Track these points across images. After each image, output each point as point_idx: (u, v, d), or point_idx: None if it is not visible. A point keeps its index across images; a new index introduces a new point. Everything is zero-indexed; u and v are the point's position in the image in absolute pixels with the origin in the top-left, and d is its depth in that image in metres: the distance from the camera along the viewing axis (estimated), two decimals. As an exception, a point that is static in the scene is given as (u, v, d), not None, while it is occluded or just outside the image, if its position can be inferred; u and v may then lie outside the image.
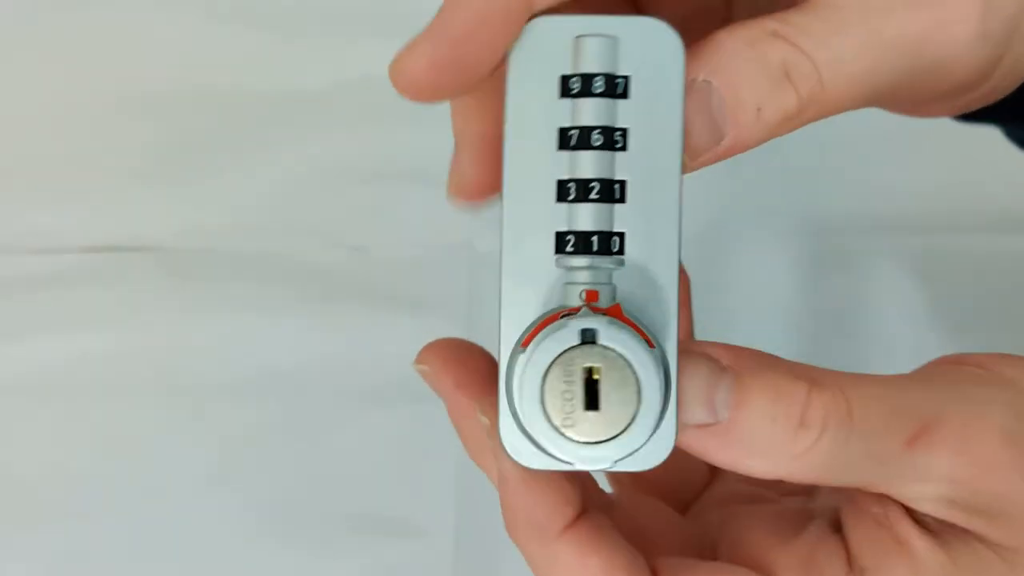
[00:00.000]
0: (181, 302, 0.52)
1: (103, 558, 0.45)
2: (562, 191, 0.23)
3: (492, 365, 0.25)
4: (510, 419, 0.23)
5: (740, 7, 0.29)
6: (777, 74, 0.23)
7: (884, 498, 0.24)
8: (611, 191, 0.23)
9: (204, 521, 0.46)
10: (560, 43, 0.23)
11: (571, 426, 0.22)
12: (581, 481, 0.24)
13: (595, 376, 0.22)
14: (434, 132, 0.56)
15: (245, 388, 0.49)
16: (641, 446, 0.22)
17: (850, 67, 0.23)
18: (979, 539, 0.23)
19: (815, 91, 0.23)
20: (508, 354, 0.23)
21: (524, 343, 0.23)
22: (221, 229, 0.55)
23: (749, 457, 0.23)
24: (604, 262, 0.23)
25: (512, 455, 0.23)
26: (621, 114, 0.23)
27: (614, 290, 0.23)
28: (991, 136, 0.38)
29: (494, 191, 0.25)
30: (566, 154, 0.23)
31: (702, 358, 0.23)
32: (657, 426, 0.22)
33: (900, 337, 0.49)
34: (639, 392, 0.22)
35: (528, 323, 0.23)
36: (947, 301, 0.51)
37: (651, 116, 0.23)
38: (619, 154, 0.23)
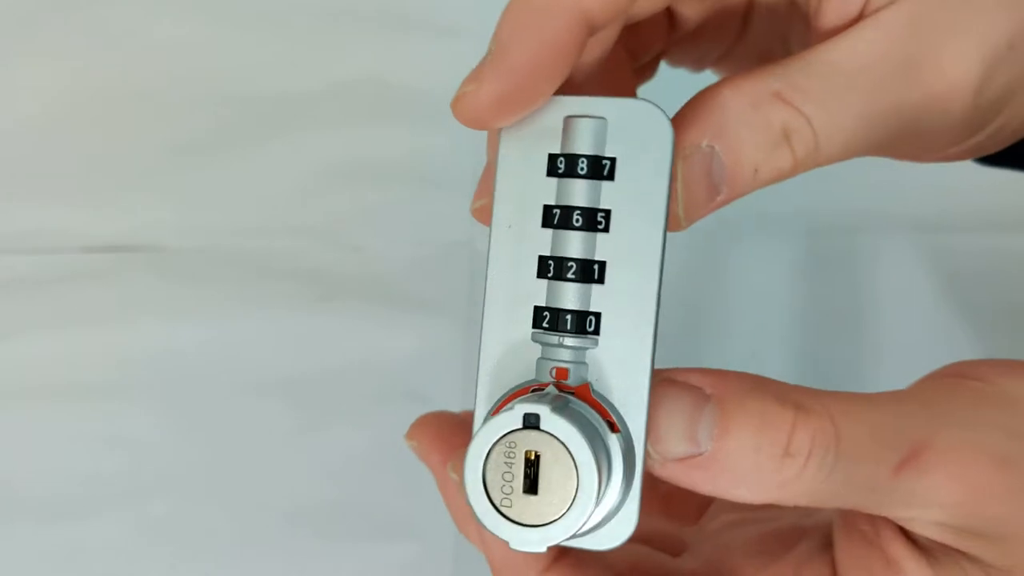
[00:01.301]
0: (181, 302, 0.52)
1: (103, 558, 0.45)
2: (543, 267, 0.24)
3: None
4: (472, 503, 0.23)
5: (759, 19, 0.29)
6: (777, 137, 0.23)
7: (876, 516, 0.24)
8: (590, 271, 0.23)
9: (203, 521, 0.46)
10: (551, 122, 0.24)
11: (509, 507, 0.22)
12: None
13: (537, 460, 0.22)
14: (434, 133, 0.56)
15: (245, 388, 0.49)
16: (577, 532, 0.22)
17: (846, 131, 0.24)
18: (971, 559, 0.23)
19: (810, 153, 0.24)
20: (480, 424, 0.23)
21: (494, 413, 0.23)
22: (221, 229, 0.55)
23: (735, 487, 0.23)
24: (577, 341, 0.23)
25: (479, 515, 0.23)
26: (605, 195, 0.23)
27: (586, 369, 0.23)
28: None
29: None
30: (549, 232, 0.24)
31: (683, 389, 0.23)
32: (592, 513, 0.22)
33: (904, 337, 0.49)
34: (577, 479, 0.22)
35: (500, 394, 0.24)
36: (952, 300, 0.51)
37: (635, 199, 0.23)
38: (600, 235, 0.23)
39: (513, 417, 0.22)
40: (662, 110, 0.23)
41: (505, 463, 0.22)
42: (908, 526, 0.23)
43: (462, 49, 0.53)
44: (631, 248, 0.23)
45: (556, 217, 0.23)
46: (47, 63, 0.61)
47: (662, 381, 0.23)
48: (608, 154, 0.23)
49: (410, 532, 0.45)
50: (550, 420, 0.22)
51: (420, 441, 0.27)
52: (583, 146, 0.23)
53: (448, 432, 0.26)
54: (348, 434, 0.48)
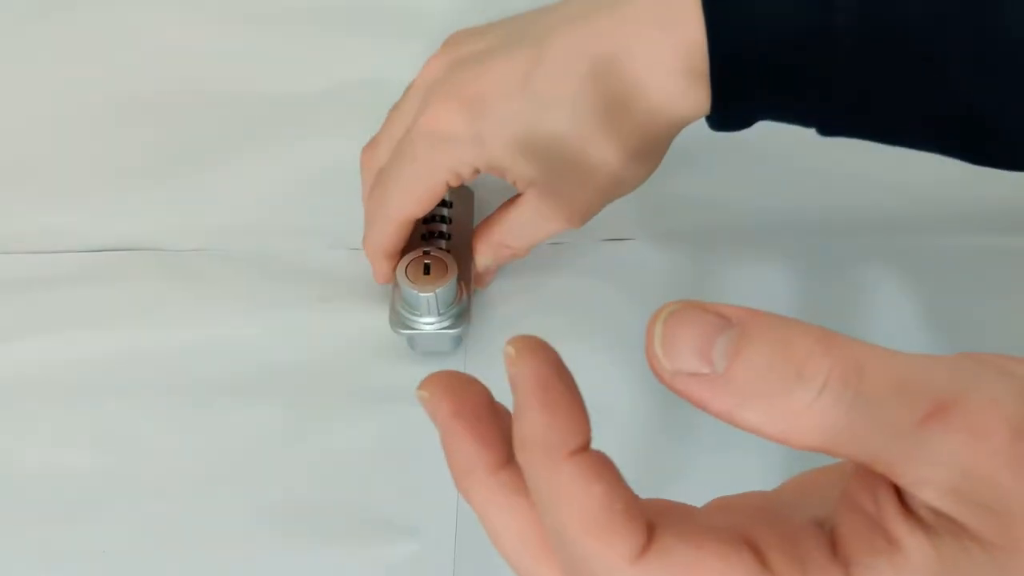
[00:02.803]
0: (181, 302, 0.52)
1: (102, 558, 0.45)
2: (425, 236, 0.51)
3: (487, 397, 0.26)
4: (398, 316, 0.49)
5: None
6: None
7: (882, 489, 0.24)
8: (444, 235, 0.51)
9: (203, 521, 0.46)
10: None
11: (417, 283, 0.47)
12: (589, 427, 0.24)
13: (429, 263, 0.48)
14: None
15: (245, 388, 0.49)
16: (450, 296, 0.48)
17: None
18: (971, 536, 0.23)
19: None
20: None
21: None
22: (221, 229, 0.55)
23: (743, 406, 0.22)
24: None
25: (398, 328, 0.48)
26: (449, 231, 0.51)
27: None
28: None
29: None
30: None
31: (706, 310, 0.23)
32: (457, 284, 0.48)
33: (894, 340, 0.49)
34: (448, 270, 0.48)
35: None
36: (942, 303, 0.51)
37: (461, 227, 0.51)
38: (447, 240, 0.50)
39: (419, 251, 0.49)
40: (469, 187, 0.52)
41: (415, 266, 0.48)
42: (918, 491, 0.23)
43: (461, 49, 0.53)
44: (460, 237, 0.50)
45: (428, 233, 0.50)
46: (47, 64, 0.61)
47: (681, 305, 0.23)
48: (447, 214, 0.51)
49: (410, 532, 0.45)
50: (437, 251, 0.49)
51: (432, 392, 0.26)
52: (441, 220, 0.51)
53: (459, 387, 0.26)
54: (347, 434, 0.48)
